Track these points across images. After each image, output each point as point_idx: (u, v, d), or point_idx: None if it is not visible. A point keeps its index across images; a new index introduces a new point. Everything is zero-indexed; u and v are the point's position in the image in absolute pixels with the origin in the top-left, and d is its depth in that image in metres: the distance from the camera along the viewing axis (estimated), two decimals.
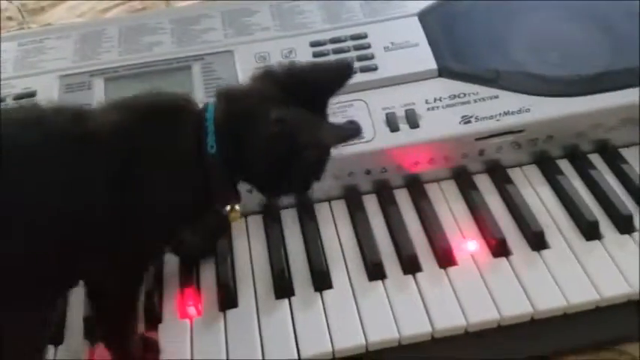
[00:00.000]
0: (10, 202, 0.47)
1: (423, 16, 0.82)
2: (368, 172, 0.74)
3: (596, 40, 0.79)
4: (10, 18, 1.20)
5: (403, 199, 0.74)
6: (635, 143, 0.77)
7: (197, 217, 0.59)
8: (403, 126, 0.73)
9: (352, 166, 0.72)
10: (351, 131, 0.55)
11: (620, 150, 0.76)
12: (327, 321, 0.62)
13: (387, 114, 0.74)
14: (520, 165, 0.76)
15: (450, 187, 0.74)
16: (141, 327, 0.61)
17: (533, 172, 0.75)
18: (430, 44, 0.79)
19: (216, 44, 0.82)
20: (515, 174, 0.75)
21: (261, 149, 0.54)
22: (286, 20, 0.84)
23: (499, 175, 0.74)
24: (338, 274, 0.66)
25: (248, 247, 0.70)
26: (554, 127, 0.73)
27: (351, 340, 0.60)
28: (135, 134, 0.53)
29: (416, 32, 0.81)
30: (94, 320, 0.60)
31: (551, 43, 0.78)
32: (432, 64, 0.77)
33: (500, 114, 0.73)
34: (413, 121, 0.73)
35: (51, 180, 0.49)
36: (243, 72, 0.77)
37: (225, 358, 0.60)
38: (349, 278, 0.65)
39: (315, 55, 0.79)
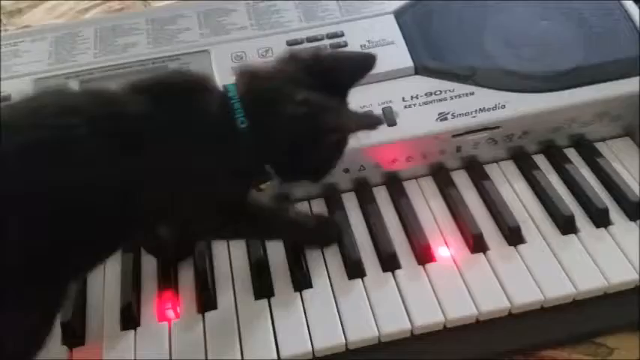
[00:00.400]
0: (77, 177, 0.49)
1: (399, 14, 0.82)
2: (346, 171, 0.74)
3: (571, 35, 0.79)
4: None
5: (382, 196, 0.74)
6: (610, 137, 0.78)
7: (230, 193, 0.59)
8: None
9: None
10: (371, 119, 0.57)
11: (595, 144, 0.77)
12: (306, 321, 0.62)
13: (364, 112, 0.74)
14: (497, 161, 0.76)
15: (428, 184, 0.75)
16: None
17: (510, 167, 0.75)
18: (406, 42, 0.79)
19: (192, 44, 0.81)
20: (492, 170, 0.75)
21: (285, 129, 0.55)
22: (262, 19, 0.84)
23: (476, 171, 0.75)
24: (318, 274, 0.66)
25: (227, 247, 0.69)
26: (529, 122, 0.74)
27: (331, 339, 0.60)
28: (164, 113, 0.53)
29: (392, 30, 0.81)
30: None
31: (525, 38, 0.79)
32: (408, 62, 0.77)
33: (476, 110, 0.73)
34: (390, 119, 0.73)
35: (99, 161, 0.50)
36: (219, 72, 0.77)
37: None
38: (329, 277, 0.65)
39: None
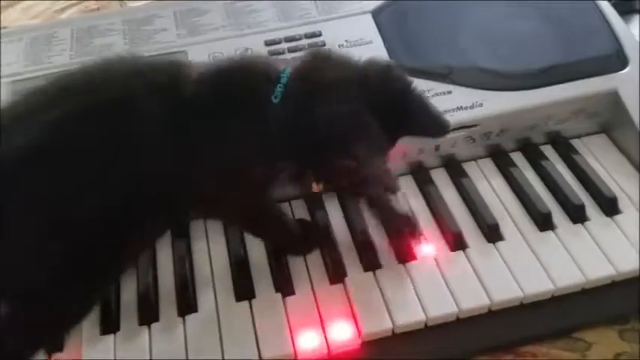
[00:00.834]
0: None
1: (377, 14, 0.82)
2: None
3: (546, 34, 0.80)
4: None
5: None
6: (586, 134, 0.79)
7: (262, 171, 0.59)
8: None
9: None
10: (392, 182, 0.56)
11: (571, 141, 0.78)
12: (288, 323, 0.61)
13: None
14: (475, 159, 0.77)
15: (408, 183, 0.75)
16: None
17: (488, 165, 0.76)
18: (384, 41, 0.79)
19: (169, 45, 0.80)
20: (470, 168, 0.76)
21: (323, 123, 0.54)
22: (240, 19, 0.84)
23: (455, 170, 0.75)
24: (299, 277, 0.65)
25: (207, 249, 0.69)
26: (506, 120, 0.74)
27: (312, 341, 0.60)
28: (218, 85, 0.57)
29: (370, 29, 0.81)
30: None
31: (502, 37, 0.79)
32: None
33: (454, 109, 0.73)
34: None
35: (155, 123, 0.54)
36: None
37: None
38: (311, 282, 0.65)
39: (270, 53, 0.79)
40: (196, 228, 0.70)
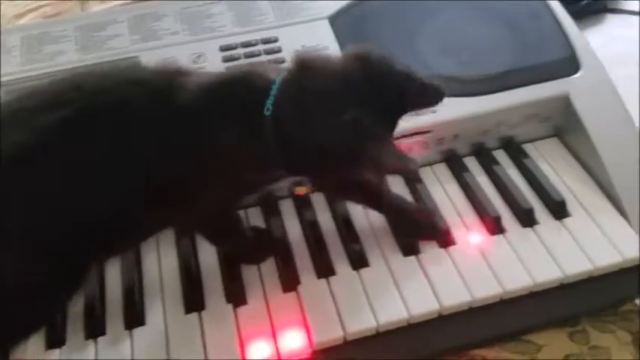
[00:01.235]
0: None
1: (334, 19, 0.83)
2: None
3: (500, 39, 0.81)
4: None
5: (320, 204, 0.74)
6: (539, 138, 0.80)
7: (254, 177, 0.60)
8: None
9: None
10: (408, 165, 0.54)
11: (523, 145, 0.79)
12: (239, 334, 0.61)
13: None
14: (430, 164, 0.77)
15: None
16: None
17: (442, 170, 0.76)
18: (340, 47, 0.79)
19: (122, 50, 0.80)
20: (425, 173, 0.76)
21: (324, 140, 0.53)
22: (195, 24, 0.83)
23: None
24: (252, 286, 0.65)
25: (158, 260, 0.68)
26: (460, 126, 0.75)
27: (263, 353, 0.60)
28: (210, 95, 0.57)
29: (327, 35, 0.81)
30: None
31: (456, 43, 0.80)
32: None
33: (407, 115, 0.73)
34: None
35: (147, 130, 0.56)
36: None
37: None
38: (264, 292, 0.65)
39: (226, 59, 0.79)
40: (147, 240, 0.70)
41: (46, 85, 0.59)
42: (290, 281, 0.65)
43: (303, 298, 0.64)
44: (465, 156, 0.78)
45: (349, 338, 0.61)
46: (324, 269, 0.66)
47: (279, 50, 0.80)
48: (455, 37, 0.81)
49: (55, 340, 0.61)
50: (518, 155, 0.77)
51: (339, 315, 0.62)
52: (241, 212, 0.73)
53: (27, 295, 0.54)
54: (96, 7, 1.17)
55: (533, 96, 0.76)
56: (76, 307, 0.63)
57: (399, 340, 0.62)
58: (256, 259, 0.68)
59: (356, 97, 0.54)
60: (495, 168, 0.75)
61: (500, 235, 0.68)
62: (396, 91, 0.55)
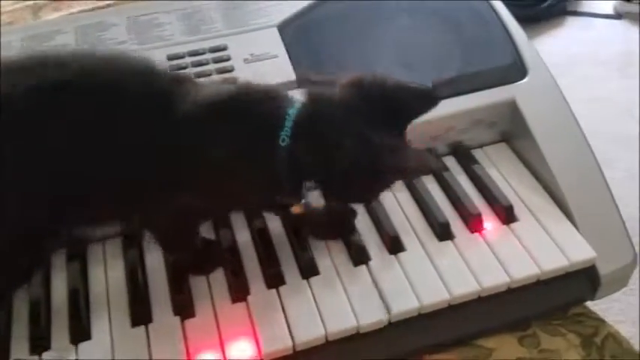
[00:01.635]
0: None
1: (283, 28, 0.83)
2: None
3: (448, 46, 0.81)
4: None
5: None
6: (487, 143, 0.81)
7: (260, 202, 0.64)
8: None
9: None
10: (430, 162, 0.60)
11: (472, 151, 0.80)
12: (186, 346, 0.60)
13: None
14: None
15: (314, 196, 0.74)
16: None
17: None
18: (289, 55, 0.79)
19: None
20: None
21: (341, 163, 0.56)
22: (143, 33, 0.82)
23: None
24: (201, 298, 0.64)
25: (104, 272, 0.67)
26: (410, 132, 0.75)
27: None
28: (222, 120, 0.58)
29: (275, 43, 0.81)
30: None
31: (404, 50, 0.80)
32: (291, 75, 0.77)
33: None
34: None
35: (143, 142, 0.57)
36: None
37: None
38: (212, 303, 0.64)
39: (173, 68, 0.78)
40: (94, 251, 0.69)
41: (42, 53, 0.61)
42: (239, 292, 0.64)
43: (253, 308, 0.63)
44: None
45: (298, 348, 0.61)
46: (274, 279, 0.66)
47: (227, 59, 0.79)
48: (402, 44, 0.81)
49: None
50: (466, 160, 0.78)
51: (289, 325, 0.61)
52: None
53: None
54: (49, 16, 1.15)
55: (481, 102, 0.77)
56: (21, 322, 0.62)
57: (349, 349, 0.62)
58: (204, 270, 0.67)
59: (359, 119, 0.58)
60: (444, 174, 0.75)
61: (449, 241, 0.69)
62: (393, 104, 0.59)
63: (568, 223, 0.70)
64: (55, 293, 0.65)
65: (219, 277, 0.66)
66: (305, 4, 0.84)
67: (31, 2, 1.16)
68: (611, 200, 0.73)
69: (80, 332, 0.61)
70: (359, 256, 0.67)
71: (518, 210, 0.72)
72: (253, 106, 0.60)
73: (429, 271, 0.66)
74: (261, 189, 0.61)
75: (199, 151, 0.58)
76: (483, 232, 0.70)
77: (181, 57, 0.79)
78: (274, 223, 0.72)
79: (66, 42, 0.81)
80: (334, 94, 0.60)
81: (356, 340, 0.62)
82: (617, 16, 2.07)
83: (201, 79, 0.70)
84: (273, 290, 0.65)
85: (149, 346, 0.60)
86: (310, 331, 0.61)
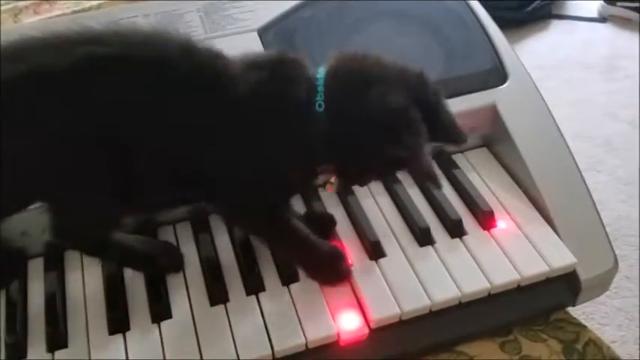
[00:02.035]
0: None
1: (263, 32, 0.82)
2: None
3: (430, 51, 0.81)
4: None
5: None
6: (468, 148, 0.81)
7: (295, 174, 0.61)
8: None
9: None
10: (432, 174, 0.57)
11: (454, 156, 0.80)
12: (163, 353, 0.59)
13: None
14: None
15: (296, 203, 0.74)
16: None
17: (374, 182, 0.76)
18: None
19: None
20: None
21: (376, 115, 0.56)
22: None
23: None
24: (179, 303, 0.64)
25: (82, 280, 0.66)
26: None
27: None
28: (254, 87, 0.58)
29: (256, 48, 0.80)
30: None
31: (385, 54, 0.80)
32: None
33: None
34: None
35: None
36: None
37: None
38: (190, 306, 0.64)
39: None
40: (72, 258, 0.68)
41: (79, 27, 0.60)
42: (217, 297, 0.64)
43: (231, 314, 0.63)
44: None
45: (278, 355, 0.60)
46: (254, 285, 0.65)
47: None
48: (382, 49, 0.80)
49: None
50: (447, 165, 0.77)
51: (268, 332, 0.61)
52: (169, 228, 0.71)
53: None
54: (29, 19, 1.14)
55: (461, 107, 0.76)
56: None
57: (328, 358, 0.61)
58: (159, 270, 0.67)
59: (411, 95, 0.57)
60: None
61: (429, 247, 0.69)
62: (436, 119, 0.59)
63: (548, 228, 0.70)
64: (32, 299, 0.64)
65: (198, 283, 0.66)
66: (285, 7, 0.84)
67: (11, 5, 1.15)
68: (591, 205, 0.73)
69: (57, 340, 0.60)
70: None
71: (499, 215, 0.72)
72: (283, 70, 0.59)
73: (408, 278, 0.65)
74: (299, 158, 0.59)
75: (253, 127, 0.57)
76: (464, 237, 0.69)
77: None
78: None
79: None
80: (384, 62, 0.61)
81: (336, 348, 0.62)
82: (602, 19, 2.08)
83: None
84: (253, 297, 0.64)
85: (126, 353, 0.59)
86: (288, 339, 0.61)
